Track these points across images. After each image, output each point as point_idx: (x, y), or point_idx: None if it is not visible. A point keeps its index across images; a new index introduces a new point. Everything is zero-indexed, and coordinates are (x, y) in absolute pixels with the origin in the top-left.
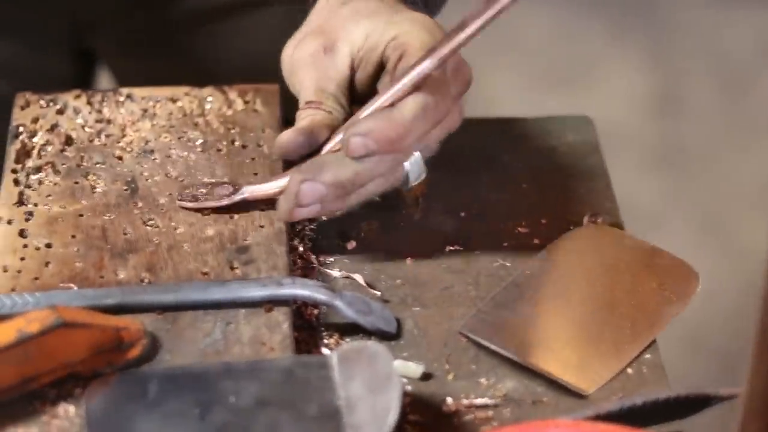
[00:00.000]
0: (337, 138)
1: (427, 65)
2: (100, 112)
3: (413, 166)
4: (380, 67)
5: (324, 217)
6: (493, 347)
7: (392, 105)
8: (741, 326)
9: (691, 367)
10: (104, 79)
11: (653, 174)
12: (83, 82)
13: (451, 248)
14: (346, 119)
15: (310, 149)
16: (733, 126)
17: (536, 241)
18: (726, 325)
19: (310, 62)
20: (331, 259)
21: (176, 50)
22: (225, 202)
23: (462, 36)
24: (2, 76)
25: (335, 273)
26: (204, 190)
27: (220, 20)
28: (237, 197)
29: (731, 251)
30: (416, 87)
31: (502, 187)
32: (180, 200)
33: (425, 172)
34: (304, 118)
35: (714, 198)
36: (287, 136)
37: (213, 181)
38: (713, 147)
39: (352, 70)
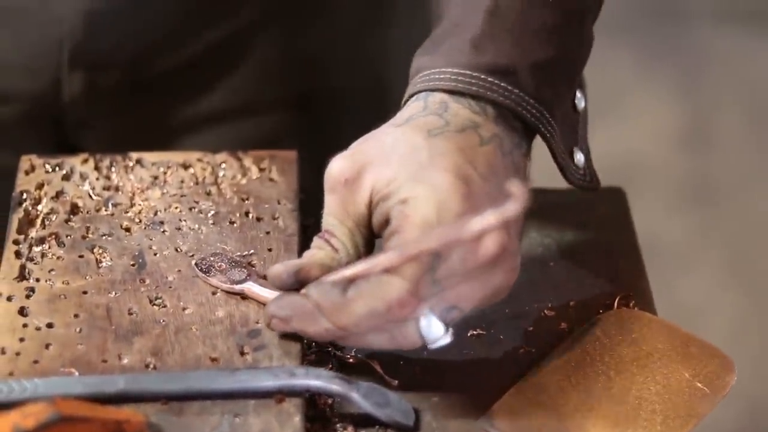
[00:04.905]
0: (334, 276)
1: (389, 259)
2: (108, 178)
3: (427, 328)
4: (388, 220)
5: None
6: None
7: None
8: None
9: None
10: None
11: (681, 210)
12: None
13: (474, 332)
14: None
15: (299, 286)
16: (765, 161)
17: (563, 325)
18: (756, 369)
19: (334, 187)
20: None
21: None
22: (225, 287)
23: (444, 239)
24: None
25: (351, 359)
26: (223, 265)
27: (209, 127)
28: (237, 288)
29: (762, 291)
30: (394, 270)
31: (528, 266)
32: (195, 265)
33: (450, 335)
34: (310, 249)
35: (744, 236)
36: (277, 270)
37: (238, 258)
38: (744, 183)
39: (371, 210)
